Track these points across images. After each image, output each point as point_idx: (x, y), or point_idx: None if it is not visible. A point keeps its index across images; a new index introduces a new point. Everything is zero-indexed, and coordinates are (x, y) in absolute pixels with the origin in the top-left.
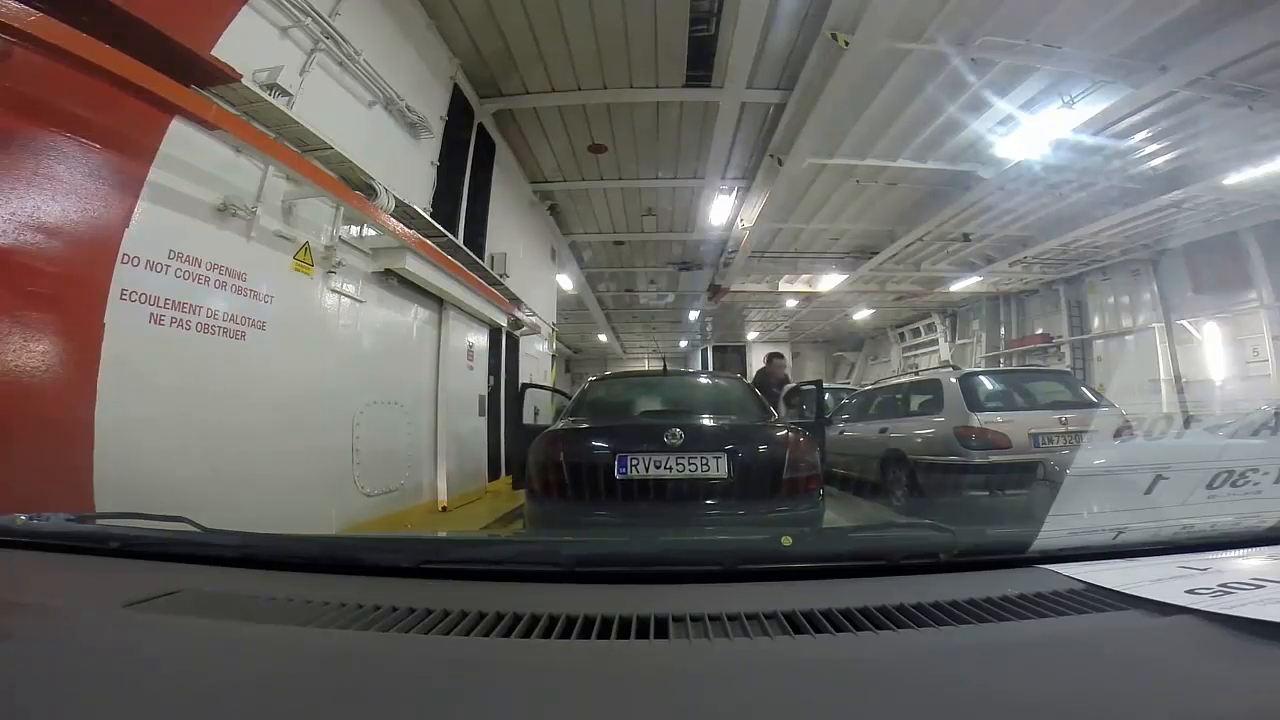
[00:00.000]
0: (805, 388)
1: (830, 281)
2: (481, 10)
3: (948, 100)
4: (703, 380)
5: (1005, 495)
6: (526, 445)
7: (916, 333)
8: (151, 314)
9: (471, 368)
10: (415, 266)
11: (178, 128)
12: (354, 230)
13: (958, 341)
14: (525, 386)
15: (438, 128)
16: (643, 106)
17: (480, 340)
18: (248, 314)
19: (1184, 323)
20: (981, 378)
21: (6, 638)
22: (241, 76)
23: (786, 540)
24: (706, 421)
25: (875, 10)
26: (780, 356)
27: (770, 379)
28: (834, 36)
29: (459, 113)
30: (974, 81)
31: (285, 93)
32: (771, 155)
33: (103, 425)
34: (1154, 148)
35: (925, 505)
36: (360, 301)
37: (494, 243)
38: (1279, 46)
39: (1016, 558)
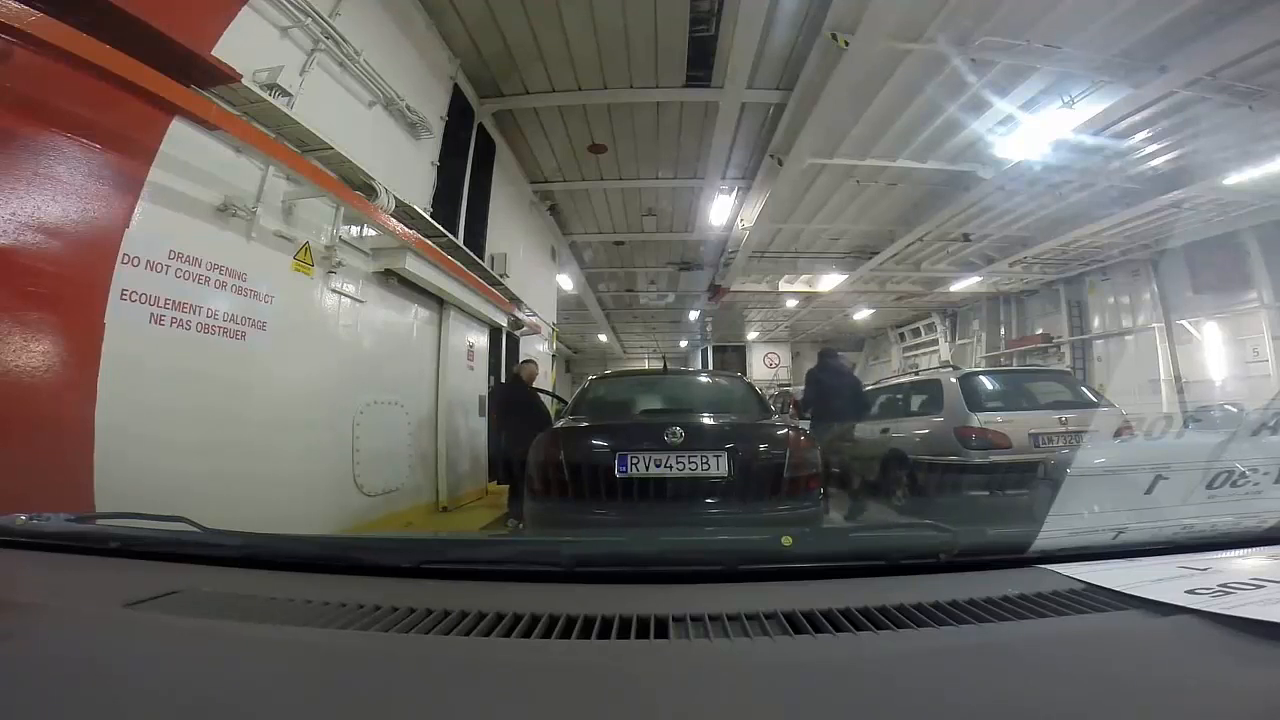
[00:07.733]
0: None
1: (830, 281)
2: (481, 10)
3: (948, 100)
4: (703, 379)
5: (1005, 495)
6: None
7: (917, 333)
8: (152, 314)
9: (472, 368)
10: (415, 267)
11: (178, 128)
12: (354, 230)
13: (958, 341)
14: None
15: (438, 128)
16: (643, 106)
17: (481, 340)
18: (248, 314)
19: (1184, 323)
20: (981, 378)
21: (6, 638)
22: (241, 77)
23: (787, 540)
24: (707, 420)
25: (875, 11)
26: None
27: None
28: (834, 37)
29: (459, 113)
30: (974, 81)
31: (285, 93)
32: (771, 155)
33: (103, 425)
34: (1154, 148)
35: (925, 505)
36: (360, 301)
37: (494, 243)
38: (1279, 46)
39: (1017, 558)
